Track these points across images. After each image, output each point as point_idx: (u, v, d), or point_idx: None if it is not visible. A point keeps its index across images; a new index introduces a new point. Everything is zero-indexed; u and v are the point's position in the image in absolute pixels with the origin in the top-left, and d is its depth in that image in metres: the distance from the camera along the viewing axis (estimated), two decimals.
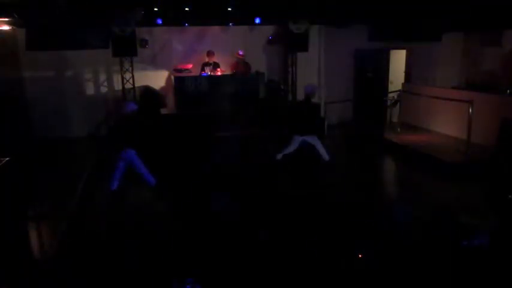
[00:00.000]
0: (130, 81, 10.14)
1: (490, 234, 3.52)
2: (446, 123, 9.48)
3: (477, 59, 10.52)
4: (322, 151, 7.86)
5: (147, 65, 10.52)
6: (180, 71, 10.23)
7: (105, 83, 10.55)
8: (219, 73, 10.32)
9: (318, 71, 11.71)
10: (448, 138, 9.21)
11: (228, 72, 10.47)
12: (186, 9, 9.20)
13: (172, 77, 10.43)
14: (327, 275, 3.61)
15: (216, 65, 10.35)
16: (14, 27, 8.98)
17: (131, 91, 10.20)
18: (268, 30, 11.06)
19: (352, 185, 7.10)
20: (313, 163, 7.89)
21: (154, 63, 10.63)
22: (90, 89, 10.51)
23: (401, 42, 10.61)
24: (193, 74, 10.24)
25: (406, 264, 3.37)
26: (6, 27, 8.80)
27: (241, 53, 10.50)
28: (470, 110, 7.91)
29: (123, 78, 10.07)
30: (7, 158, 5.02)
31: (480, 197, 6.39)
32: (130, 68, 10.09)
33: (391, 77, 11.65)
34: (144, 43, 10.20)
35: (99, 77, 10.51)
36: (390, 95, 10.97)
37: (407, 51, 11.45)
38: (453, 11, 8.70)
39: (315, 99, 11.60)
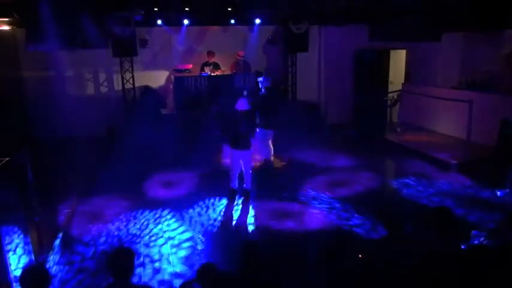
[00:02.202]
0: (131, 81, 10.15)
1: (492, 235, 3.52)
2: (446, 123, 9.48)
3: (477, 59, 10.50)
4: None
5: (147, 65, 10.52)
6: (180, 71, 10.22)
7: (105, 83, 10.55)
8: (219, 73, 10.31)
9: (318, 71, 11.71)
10: (448, 138, 9.21)
11: (228, 72, 10.46)
12: (186, 9, 9.20)
13: (173, 77, 10.42)
14: None
15: (216, 66, 10.33)
16: (14, 27, 8.98)
17: (131, 91, 10.21)
18: (268, 30, 11.05)
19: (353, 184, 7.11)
20: None
21: (154, 63, 10.62)
22: (90, 89, 10.51)
23: (401, 42, 10.60)
24: (193, 74, 10.24)
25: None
26: (6, 27, 8.80)
27: (241, 53, 10.50)
28: (470, 110, 7.91)
29: (123, 78, 10.07)
30: (7, 158, 5.01)
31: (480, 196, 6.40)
32: (130, 68, 10.09)
33: (391, 77, 11.65)
34: (144, 43, 10.19)
35: (99, 77, 10.51)
36: (390, 95, 10.98)
37: (407, 51, 11.44)
38: (453, 10, 8.70)
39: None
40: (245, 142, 6.47)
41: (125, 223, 5.85)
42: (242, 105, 6.48)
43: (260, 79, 8.29)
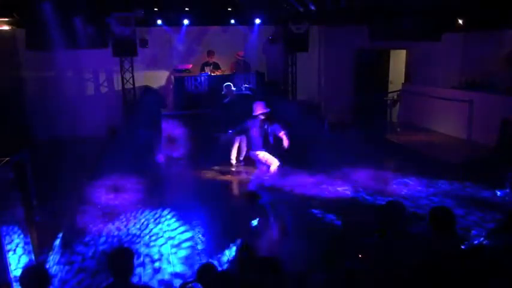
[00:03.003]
0: (131, 81, 10.15)
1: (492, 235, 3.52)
2: (447, 123, 9.48)
3: (477, 59, 10.50)
4: None
5: (147, 65, 10.52)
6: (180, 71, 10.22)
7: (105, 83, 10.55)
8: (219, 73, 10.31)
9: (318, 71, 11.71)
10: (448, 138, 9.21)
11: (228, 72, 10.46)
12: (186, 9, 9.20)
13: (173, 77, 10.42)
14: None
15: (216, 66, 10.33)
16: (14, 27, 8.98)
17: (131, 91, 10.21)
18: (269, 30, 11.05)
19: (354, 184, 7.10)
20: None
21: (154, 63, 10.63)
22: (90, 89, 10.51)
23: (401, 42, 10.60)
24: (193, 74, 10.24)
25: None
26: (6, 27, 8.80)
27: (241, 53, 10.50)
28: (470, 110, 7.92)
29: (123, 78, 10.07)
30: (7, 158, 5.02)
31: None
32: (130, 68, 10.09)
33: (391, 77, 11.65)
34: (144, 43, 10.19)
35: (99, 77, 10.51)
36: (390, 95, 10.98)
37: (407, 51, 11.44)
38: (453, 10, 8.70)
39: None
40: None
41: (125, 223, 5.85)
42: (261, 108, 6.25)
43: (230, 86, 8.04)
